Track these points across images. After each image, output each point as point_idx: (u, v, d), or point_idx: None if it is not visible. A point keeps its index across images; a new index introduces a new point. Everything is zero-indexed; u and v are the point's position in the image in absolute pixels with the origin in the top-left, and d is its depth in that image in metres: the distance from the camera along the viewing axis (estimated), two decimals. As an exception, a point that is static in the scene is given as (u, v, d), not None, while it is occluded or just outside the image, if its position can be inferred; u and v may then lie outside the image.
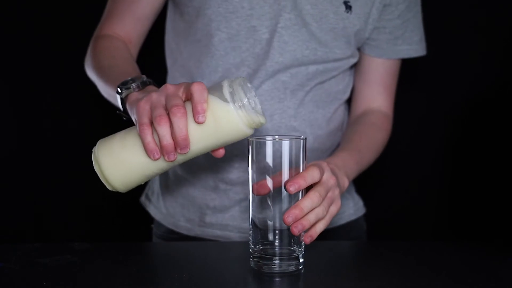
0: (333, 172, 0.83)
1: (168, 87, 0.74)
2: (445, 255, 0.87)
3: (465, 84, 1.60)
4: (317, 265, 0.81)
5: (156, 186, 1.16)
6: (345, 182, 0.88)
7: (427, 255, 0.88)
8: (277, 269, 0.77)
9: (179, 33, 1.05)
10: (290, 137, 0.76)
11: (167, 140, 0.70)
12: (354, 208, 1.15)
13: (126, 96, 0.82)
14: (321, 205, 0.77)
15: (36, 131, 1.62)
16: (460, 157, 1.63)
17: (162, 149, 0.71)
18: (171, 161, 0.72)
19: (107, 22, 1.03)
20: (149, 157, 0.72)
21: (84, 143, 1.62)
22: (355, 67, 1.11)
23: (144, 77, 0.84)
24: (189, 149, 0.71)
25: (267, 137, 0.78)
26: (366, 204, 1.21)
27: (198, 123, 0.71)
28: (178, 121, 0.69)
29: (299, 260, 0.78)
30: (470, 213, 1.62)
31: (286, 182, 0.74)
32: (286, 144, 0.75)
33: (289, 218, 0.73)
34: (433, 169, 1.65)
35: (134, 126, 0.76)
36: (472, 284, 0.74)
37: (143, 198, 1.19)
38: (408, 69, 1.20)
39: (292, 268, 0.77)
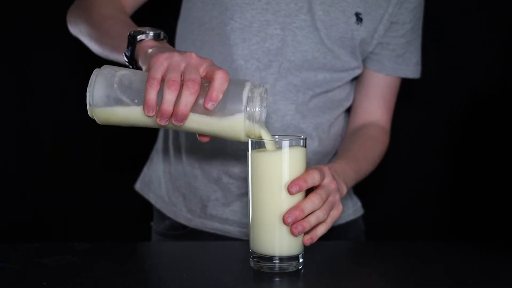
0: (334, 177, 0.83)
1: (193, 57, 0.73)
2: (445, 255, 0.87)
3: (465, 86, 1.60)
4: (317, 265, 0.81)
5: (156, 174, 1.16)
6: (343, 189, 0.88)
7: (427, 255, 0.88)
8: (276, 269, 0.77)
9: (193, 22, 1.05)
10: (290, 137, 0.76)
11: (168, 106, 0.70)
12: (353, 209, 1.16)
13: (140, 41, 0.81)
14: (322, 208, 0.77)
15: (36, 130, 1.62)
16: (460, 157, 1.63)
17: (158, 111, 0.71)
18: (161, 125, 0.72)
19: None
20: (143, 110, 0.71)
21: (84, 143, 1.62)
22: (356, 79, 1.13)
23: (162, 32, 0.84)
24: (183, 124, 0.72)
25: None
26: (366, 205, 1.21)
27: (206, 108, 0.71)
28: (187, 96, 0.69)
29: (298, 260, 0.78)
30: (470, 214, 1.62)
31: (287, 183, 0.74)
32: (286, 144, 0.75)
33: (289, 219, 0.73)
34: (433, 170, 1.65)
35: (143, 72, 0.76)
36: (473, 285, 0.74)
37: (138, 185, 1.19)
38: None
39: (291, 268, 0.77)
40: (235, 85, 0.73)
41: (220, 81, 0.71)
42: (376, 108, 1.12)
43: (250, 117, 0.72)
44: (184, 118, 0.71)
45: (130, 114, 0.74)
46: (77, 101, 1.61)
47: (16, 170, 1.62)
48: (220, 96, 0.71)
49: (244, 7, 0.98)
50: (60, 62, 1.59)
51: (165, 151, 1.15)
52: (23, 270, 0.78)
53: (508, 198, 1.55)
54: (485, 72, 1.58)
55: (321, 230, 0.79)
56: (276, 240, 0.76)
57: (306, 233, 0.78)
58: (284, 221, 0.73)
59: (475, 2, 1.56)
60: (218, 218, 1.08)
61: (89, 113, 0.77)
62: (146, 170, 1.20)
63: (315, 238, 0.78)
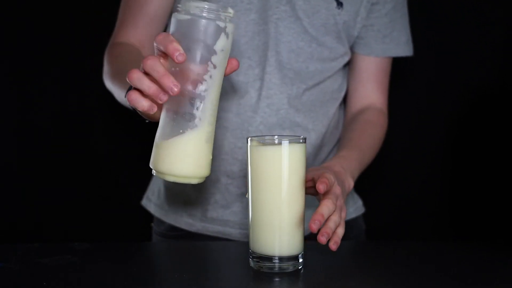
0: (339, 177, 0.85)
1: (144, 61, 0.71)
2: (445, 255, 0.87)
3: (464, 83, 1.59)
4: (317, 265, 0.81)
5: (157, 184, 1.17)
6: (351, 184, 0.90)
7: (427, 255, 0.88)
8: (276, 269, 0.77)
9: None
10: (289, 137, 0.76)
11: (153, 89, 0.69)
12: (353, 207, 1.17)
13: None
14: (335, 213, 0.80)
15: (36, 131, 1.62)
16: (460, 156, 1.63)
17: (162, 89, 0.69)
18: (175, 94, 0.68)
19: (120, 30, 1.06)
20: (158, 101, 0.69)
21: (85, 143, 1.62)
22: (348, 66, 1.14)
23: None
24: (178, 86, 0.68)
25: (266, 137, 0.78)
26: (365, 204, 1.21)
27: (180, 62, 0.68)
28: (151, 67, 0.68)
29: (298, 260, 0.78)
30: (470, 213, 1.62)
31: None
32: (285, 144, 0.75)
33: (315, 225, 0.75)
34: (432, 169, 1.65)
35: (159, 125, 0.75)
36: (472, 284, 0.74)
37: (144, 201, 1.20)
38: (406, 68, 1.21)
39: (291, 268, 0.77)
40: (174, 25, 0.70)
41: (163, 39, 0.69)
42: (371, 92, 1.13)
43: (208, 13, 0.69)
44: (167, 81, 0.68)
45: (197, 143, 0.72)
46: (77, 100, 1.61)
47: (16, 170, 1.62)
48: (175, 44, 0.68)
49: None
50: (61, 62, 1.59)
51: None
52: (23, 270, 0.78)
53: (508, 197, 1.55)
54: (482, 70, 1.58)
55: (341, 232, 0.81)
56: (276, 240, 0.76)
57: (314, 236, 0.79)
58: (311, 227, 0.75)
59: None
60: (219, 221, 1.08)
61: (197, 182, 0.74)
62: (150, 185, 1.21)
63: (339, 241, 0.80)
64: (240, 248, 0.90)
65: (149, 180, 1.24)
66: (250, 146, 0.78)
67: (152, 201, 1.17)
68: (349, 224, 1.15)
